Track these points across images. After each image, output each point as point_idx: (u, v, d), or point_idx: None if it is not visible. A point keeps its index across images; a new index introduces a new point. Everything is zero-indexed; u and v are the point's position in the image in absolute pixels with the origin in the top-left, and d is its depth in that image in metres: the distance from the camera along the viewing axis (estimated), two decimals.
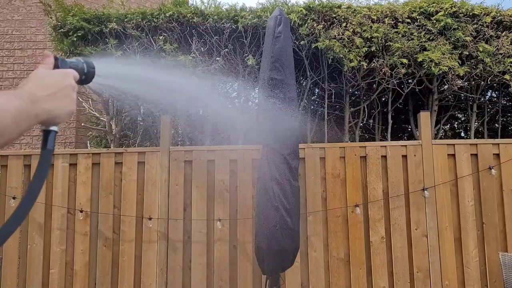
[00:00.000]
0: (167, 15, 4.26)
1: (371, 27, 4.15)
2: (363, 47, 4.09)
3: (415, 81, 4.38)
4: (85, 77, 0.92)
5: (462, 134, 5.49)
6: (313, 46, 4.17)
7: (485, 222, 3.83)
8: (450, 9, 4.23)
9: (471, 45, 4.20)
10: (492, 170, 3.84)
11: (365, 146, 3.98)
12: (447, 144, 3.97)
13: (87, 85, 0.97)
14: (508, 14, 4.31)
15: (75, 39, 4.27)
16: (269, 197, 3.19)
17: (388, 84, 4.28)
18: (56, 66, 0.85)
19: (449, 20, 4.16)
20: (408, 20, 4.24)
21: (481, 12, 4.30)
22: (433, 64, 4.03)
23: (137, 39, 4.26)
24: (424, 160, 3.91)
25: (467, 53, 4.22)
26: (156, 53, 4.25)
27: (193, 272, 3.86)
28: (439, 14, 4.20)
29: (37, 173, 0.77)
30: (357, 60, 4.05)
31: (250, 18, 4.20)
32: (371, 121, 5.08)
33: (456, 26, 4.22)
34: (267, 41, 3.56)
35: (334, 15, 4.24)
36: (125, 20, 4.30)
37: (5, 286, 3.91)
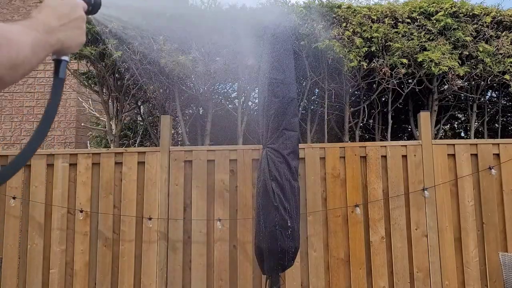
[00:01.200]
0: (167, 15, 4.25)
1: (371, 27, 4.15)
2: (363, 47, 4.09)
3: (415, 81, 4.37)
4: (92, 7, 0.93)
5: (462, 134, 5.49)
6: (313, 46, 4.17)
7: (485, 222, 3.83)
8: (450, 9, 4.23)
9: (471, 45, 4.20)
10: (492, 170, 3.84)
11: (365, 146, 3.98)
12: (447, 144, 3.97)
13: (94, 16, 0.99)
14: (508, 14, 4.31)
15: None
16: (269, 197, 3.20)
17: (388, 84, 4.28)
18: None
19: (449, 20, 4.16)
20: (408, 20, 4.24)
21: (481, 12, 4.30)
22: (433, 64, 4.03)
23: (137, 39, 4.26)
24: (424, 160, 3.91)
25: (467, 53, 4.21)
26: (156, 53, 4.24)
27: (193, 272, 3.86)
28: (439, 14, 4.20)
29: (52, 101, 0.80)
30: (357, 60, 4.05)
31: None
32: (371, 121, 5.08)
33: (456, 26, 4.22)
34: (267, 41, 3.57)
35: (334, 15, 4.24)
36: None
37: (5, 286, 3.91)
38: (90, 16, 0.95)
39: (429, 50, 4.10)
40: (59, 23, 0.78)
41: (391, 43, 4.13)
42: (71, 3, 0.84)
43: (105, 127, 5.04)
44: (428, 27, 4.21)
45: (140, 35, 3.99)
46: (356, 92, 4.77)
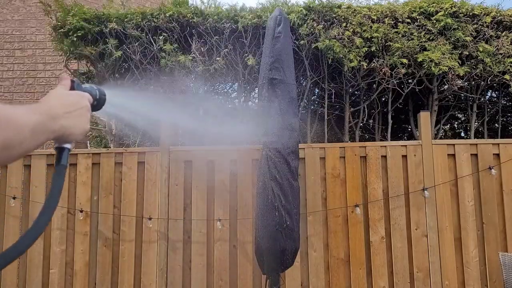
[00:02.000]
0: (167, 15, 4.26)
1: (371, 27, 4.15)
2: (363, 47, 4.09)
3: (415, 81, 4.37)
4: (97, 103, 0.96)
5: (462, 134, 5.49)
6: (313, 46, 4.17)
7: (485, 222, 3.83)
8: (450, 9, 4.23)
9: (471, 45, 4.20)
10: (492, 170, 3.84)
11: (365, 146, 3.98)
12: (447, 144, 3.97)
13: (95, 112, 1.01)
14: (508, 14, 4.31)
15: (75, 39, 4.27)
16: (269, 197, 3.19)
17: (388, 84, 4.28)
18: (72, 88, 0.90)
19: (449, 20, 4.16)
20: (408, 20, 4.24)
21: (481, 12, 4.30)
22: (433, 64, 4.03)
23: (137, 39, 4.26)
24: (424, 160, 3.91)
25: (467, 53, 4.22)
26: (156, 53, 4.25)
27: (193, 272, 3.85)
28: (439, 14, 4.20)
29: (54, 187, 0.80)
30: (357, 60, 4.05)
31: (250, 18, 4.20)
32: (371, 121, 5.08)
33: (456, 26, 4.22)
34: (267, 41, 3.57)
35: (334, 15, 4.24)
36: (125, 20, 4.30)
37: (5, 286, 3.91)
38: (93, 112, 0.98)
39: (429, 50, 4.11)
40: (64, 110, 0.80)
41: (391, 43, 4.14)
42: (77, 94, 0.89)
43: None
44: (428, 27, 4.21)
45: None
46: (356, 92, 4.77)
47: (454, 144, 3.96)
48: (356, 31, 4.15)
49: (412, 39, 4.17)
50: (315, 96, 4.91)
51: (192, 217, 3.93)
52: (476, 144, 3.95)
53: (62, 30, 4.34)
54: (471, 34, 4.21)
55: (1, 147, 0.63)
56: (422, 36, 4.19)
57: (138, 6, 5.68)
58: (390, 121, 4.58)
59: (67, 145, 0.84)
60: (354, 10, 4.29)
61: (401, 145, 3.98)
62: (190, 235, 3.91)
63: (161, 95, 4.10)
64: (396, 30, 4.19)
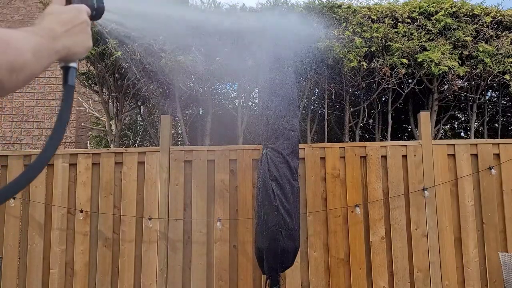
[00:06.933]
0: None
1: (371, 27, 4.15)
2: (363, 47, 4.09)
3: (415, 81, 4.37)
4: (96, 12, 0.92)
5: (462, 134, 5.49)
6: (313, 46, 4.17)
7: (485, 222, 3.83)
8: (450, 9, 4.23)
9: (471, 45, 4.20)
10: (492, 170, 3.84)
11: (365, 146, 3.98)
12: (447, 144, 3.97)
13: (98, 21, 0.98)
14: (508, 14, 4.31)
15: None
16: (269, 197, 3.20)
17: (388, 84, 4.28)
18: (68, 2, 0.85)
19: (449, 20, 4.16)
20: (408, 20, 4.24)
21: (481, 12, 4.30)
22: (433, 64, 4.03)
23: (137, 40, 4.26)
24: (424, 160, 3.91)
25: (467, 53, 4.21)
26: (156, 53, 4.24)
27: (193, 272, 3.86)
28: (439, 14, 4.20)
29: (64, 108, 0.78)
30: (357, 60, 4.05)
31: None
32: (371, 121, 5.08)
33: (456, 26, 4.22)
34: (267, 41, 3.57)
35: (334, 15, 4.24)
36: None
37: (5, 286, 3.91)
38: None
39: (429, 50, 4.10)
40: (63, 29, 0.76)
41: (391, 43, 4.13)
42: (74, 9, 0.82)
43: (105, 127, 5.04)
44: (428, 27, 4.21)
45: (140, 36, 4.02)
46: (356, 92, 4.77)
47: (454, 144, 3.97)
48: (356, 31, 4.15)
49: (412, 39, 4.17)
50: (315, 96, 4.91)
51: (192, 217, 3.93)
52: (476, 144, 3.95)
53: None
54: (471, 34, 4.21)
55: (6, 71, 0.61)
56: (422, 36, 4.19)
57: None
58: (390, 121, 4.58)
59: (73, 64, 0.81)
60: (354, 10, 4.29)
61: (401, 145, 3.98)
62: (190, 235, 3.91)
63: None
64: (396, 30, 4.19)
